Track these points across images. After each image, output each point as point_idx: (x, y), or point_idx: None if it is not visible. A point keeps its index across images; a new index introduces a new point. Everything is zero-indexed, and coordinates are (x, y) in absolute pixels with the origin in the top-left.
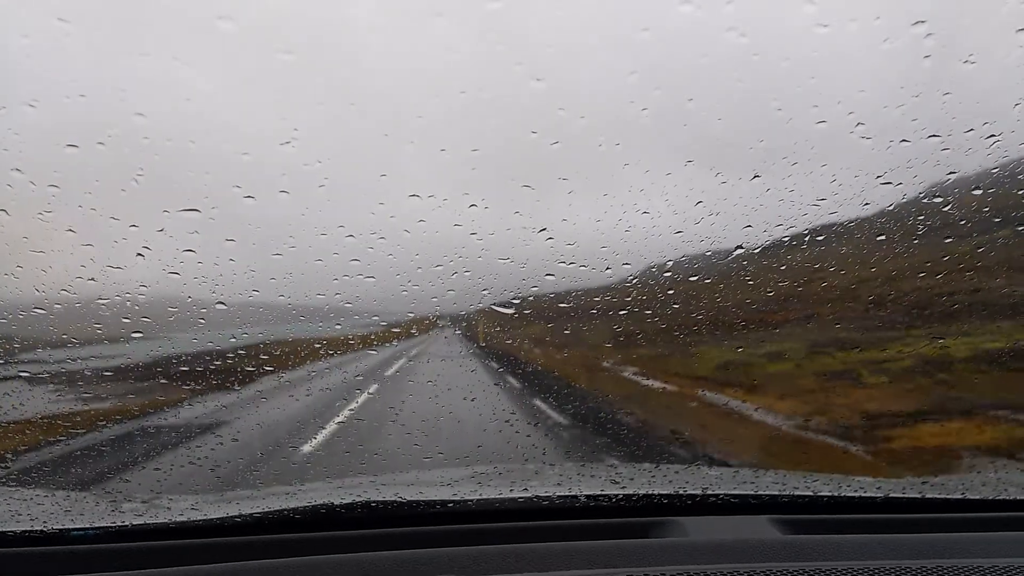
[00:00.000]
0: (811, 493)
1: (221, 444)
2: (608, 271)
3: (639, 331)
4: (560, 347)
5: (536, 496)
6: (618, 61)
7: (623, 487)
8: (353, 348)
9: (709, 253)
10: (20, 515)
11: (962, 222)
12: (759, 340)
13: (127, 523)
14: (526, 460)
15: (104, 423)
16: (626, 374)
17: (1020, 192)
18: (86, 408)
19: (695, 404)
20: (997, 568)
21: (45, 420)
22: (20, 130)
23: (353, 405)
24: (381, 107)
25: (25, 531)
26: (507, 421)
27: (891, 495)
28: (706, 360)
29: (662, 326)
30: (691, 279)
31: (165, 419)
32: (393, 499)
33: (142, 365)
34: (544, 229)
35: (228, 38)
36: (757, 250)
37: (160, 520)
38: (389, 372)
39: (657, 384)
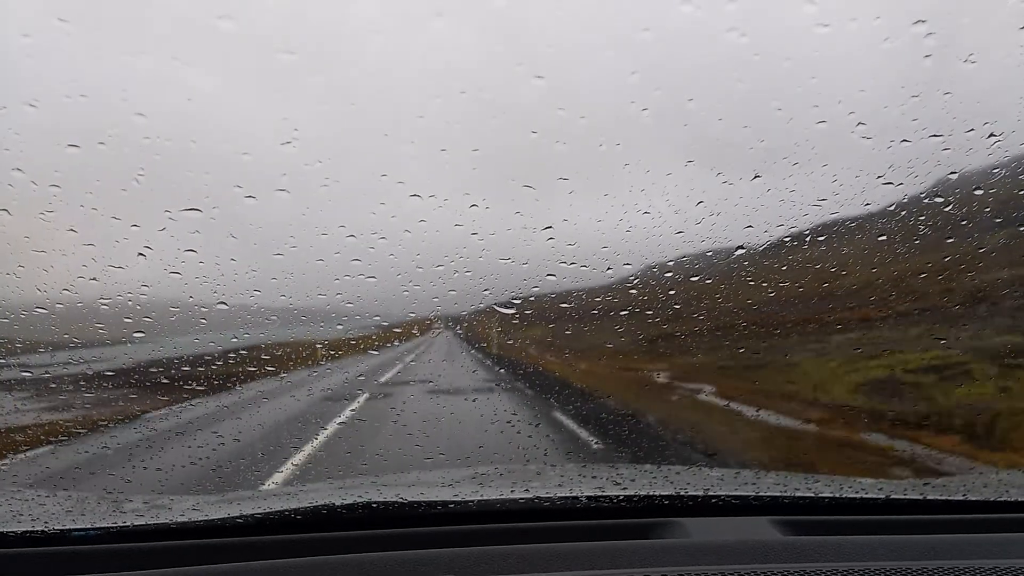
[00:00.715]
0: (812, 494)
1: (223, 444)
2: (609, 271)
3: (677, 332)
4: (582, 354)
5: (537, 497)
6: (619, 61)
7: (624, 488)
8: (355, 349)
9: (710, 253)
10: (21, 515)
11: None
12: (873, 341)
13: (128, 523)
14: (527, 461)
15: (105, 423)
16: (707, 397)
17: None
18: (87, 408)
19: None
20: (999, 569)
21: (46, 420)
22: (21, 130)
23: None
24: (381, 107)
25: (26, 531)
26: (508, 422)
27: (892, 496)
28: (823, 374)
29: (707, 325)
30: (724, 272)
31: (167, 419)
32: (394, 500)
33: (144, 365)
34: (545, 229)
35: (229, 38)
36: (759, 249)
37: (161, 521)
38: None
39: (783, 421)
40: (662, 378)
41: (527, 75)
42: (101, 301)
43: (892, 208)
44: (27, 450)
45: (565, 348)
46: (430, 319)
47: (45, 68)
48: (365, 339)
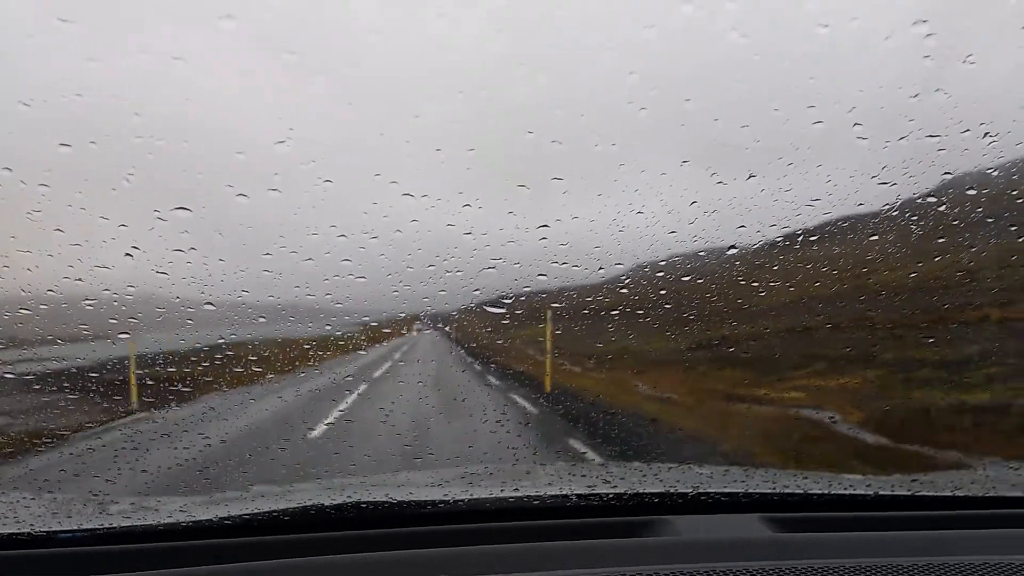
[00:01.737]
0: (802, 491)
1: (209, 446)
2: (601, 271)
3: (743, 335)
4: (620, 367)
5: (527, 496)
6: (618, 61)
7: (614, 486)
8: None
9: (703, 252)
10: (6, 518)
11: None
12: None
13: (115, 525)
14: (517, 460)
15: (91, 424)
16: None
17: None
18: (71, 408)
19: None
20: (987, 565)
21: (30, 421)
22: (14, 129)
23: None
24: (379, 106)
25: (11, 534)
26: (498, 422)
27: (881, 493)
28: None
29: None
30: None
31: (153, 420)
32: (383, 500)
33: (128, 366)
34: (538, 228)
35: (228, 38)
36: (752, 248)
37: (148, 522)
38: None
39: None
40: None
41: (526, 75)
42: (86, 302)
43: (886, 208)
44: (10, 451)
45: (588, 357)
46: (414, 316)
47: (44, 68)
48: (349, 340)
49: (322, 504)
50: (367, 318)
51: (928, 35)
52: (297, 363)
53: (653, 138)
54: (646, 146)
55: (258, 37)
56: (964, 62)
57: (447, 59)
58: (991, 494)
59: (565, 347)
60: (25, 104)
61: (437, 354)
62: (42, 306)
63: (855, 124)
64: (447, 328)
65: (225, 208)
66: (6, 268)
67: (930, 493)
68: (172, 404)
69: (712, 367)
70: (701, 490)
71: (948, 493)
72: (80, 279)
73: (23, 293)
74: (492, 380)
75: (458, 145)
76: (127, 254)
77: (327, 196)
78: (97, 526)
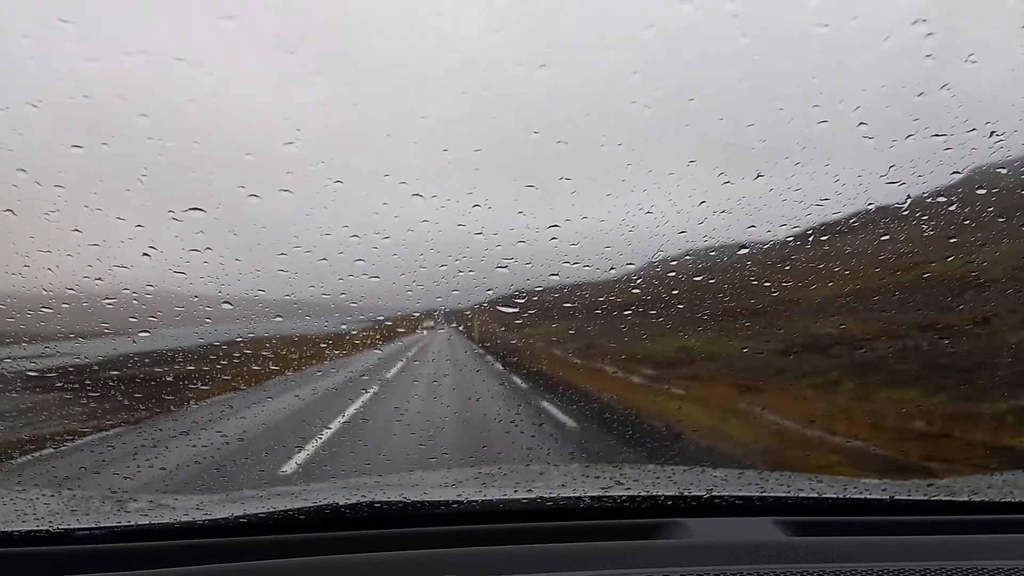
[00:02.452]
0: (816, 495)
1: (227, 444)
2: (612, 271)
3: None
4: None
5: (540, 497)
6: (620, 61)
7: (627, 488)
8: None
9: (714, 252)
10: (25, 515)
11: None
12: None
13: (132, 523)
14: (530, 461)
15: (110, 422)
16: None
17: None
18: (92, 406)
19: None
20: (1002, 570)
21: (50, 419)
22: (24, 131)
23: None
24: (383, 107)
25: (30, 531)
26: (512, 421)
27: (897, 497)
28: None
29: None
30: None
31: (170, 418)
32: (398, 500)
33: (148, 364)
34: (549, 228)
35: (230, 38)
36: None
37: (165, 520)
38: None
39: None
40: None
41: (526, 74)
42: (106, 301)
43: (895, 207)
44: (32, 449)
45: (644, 360)
46: (428, 315)
47: (47, 69)
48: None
49: (337, 503)
50: (382, 317)
51: (928, 34)
52: (314, 361)
53: (659, 138)
54: (652, 146)
55: (257, 37)
56: (966, 61)
57: (448, 58)
58: (1008, 499)
59: (599, 347)
60: (33, 105)
61: (453, 353)
62: (64, 305)
63: (860, 123)
64: (461, 327)
65: (238, 208)
66: (27, 268)
67: (946, 498)
68: (191, 401)
69: (861, 383)
70: (715, 493)
71: (965, 498)
72: (100, 279)
73: (44, 292)
74: None
75: (465, 145)
76: (144, 254)
77: (338, 197)
78: (115, 523)
